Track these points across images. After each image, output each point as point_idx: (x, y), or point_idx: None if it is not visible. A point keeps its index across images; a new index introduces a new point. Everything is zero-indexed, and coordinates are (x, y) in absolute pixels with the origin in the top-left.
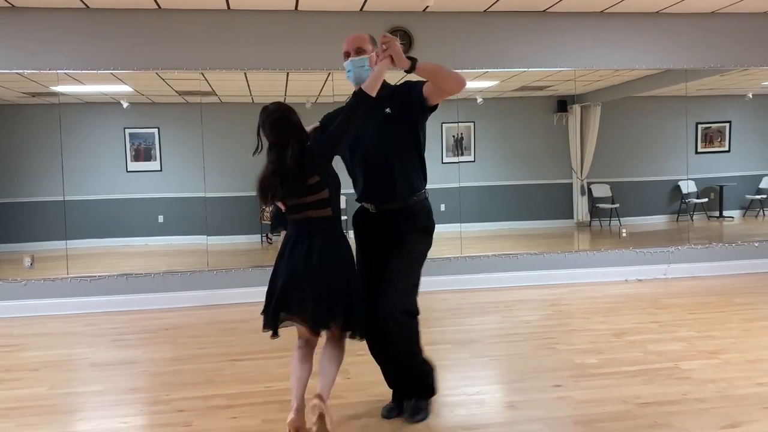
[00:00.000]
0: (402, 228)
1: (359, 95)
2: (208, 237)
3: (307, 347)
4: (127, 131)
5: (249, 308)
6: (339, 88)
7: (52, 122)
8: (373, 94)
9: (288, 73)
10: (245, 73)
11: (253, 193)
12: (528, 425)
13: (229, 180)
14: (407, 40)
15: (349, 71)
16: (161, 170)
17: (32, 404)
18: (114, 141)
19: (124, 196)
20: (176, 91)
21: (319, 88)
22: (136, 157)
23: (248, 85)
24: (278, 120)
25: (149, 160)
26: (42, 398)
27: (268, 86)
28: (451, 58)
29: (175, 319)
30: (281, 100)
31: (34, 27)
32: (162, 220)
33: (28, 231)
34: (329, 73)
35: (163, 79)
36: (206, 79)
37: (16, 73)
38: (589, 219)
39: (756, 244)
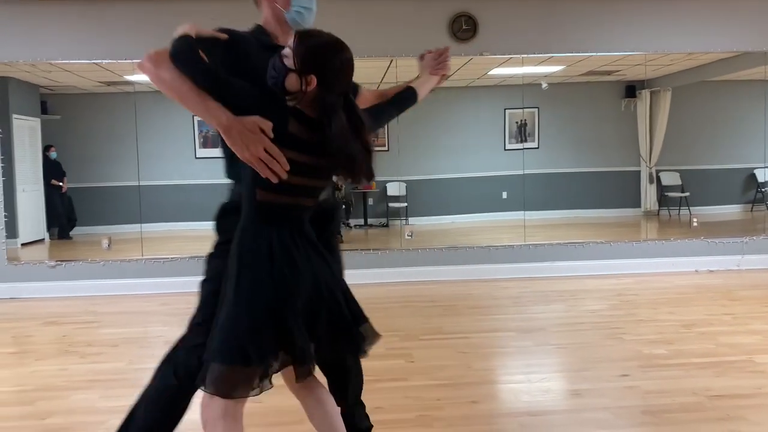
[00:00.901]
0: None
1: (413, 98)
2: None
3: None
4: (196, 119)
5: None
6: (402, 75)
7: (127, 110)
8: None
9: None
10: None
11: None
12: (594, 413)
13: None
14: (472, 25)
15: (309, 9)
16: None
17: (114, 377)
18: (184, 128)
19: (193, 181)
20: None
21: (382, 74)
22: (204, 144)
23: None
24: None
25: (216, 147)
26: (122, 372)
27: None
28: (516, 43)
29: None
30: None
31: (110, 19)
32: None
33: (105, 214)
34: (392, 60)
35: None
36: None
37: (94, 63)
38: (657, 208)
39: None
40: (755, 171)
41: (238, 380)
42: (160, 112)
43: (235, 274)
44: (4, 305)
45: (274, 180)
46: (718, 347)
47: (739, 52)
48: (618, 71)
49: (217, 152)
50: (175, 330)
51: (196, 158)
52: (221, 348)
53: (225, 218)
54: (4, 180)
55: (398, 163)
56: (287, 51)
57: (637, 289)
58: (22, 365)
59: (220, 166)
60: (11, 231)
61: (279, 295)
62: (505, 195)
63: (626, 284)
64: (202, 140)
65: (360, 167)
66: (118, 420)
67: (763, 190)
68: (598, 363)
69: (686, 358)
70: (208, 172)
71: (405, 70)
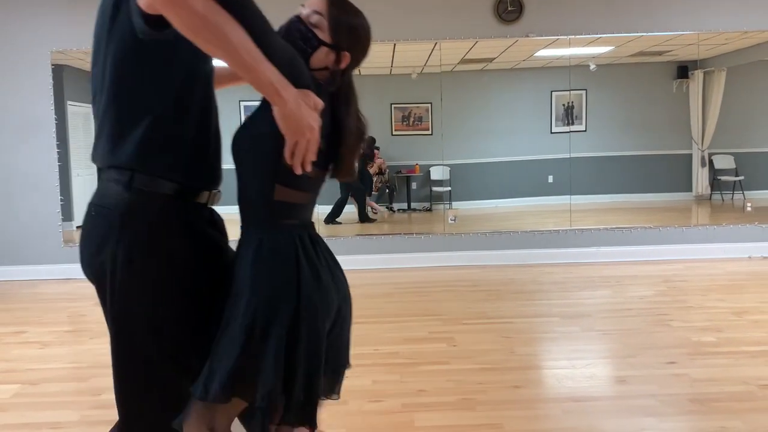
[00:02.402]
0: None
1: None
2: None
3: None
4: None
5: (357, 274)
6: (445, 58)
7: None
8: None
9: (395, 44)
10: None
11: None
12: (640, 400)
13: None
14: (517, 6)
15: None
16: None
17: None
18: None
19: None
20: None
21: (426, 58)
22: None
23: None
24: None
25: None
26: None
27: (376, 57)
28: (562, 24)
29: None
30: (388, 71)
31: None
32: None
33: None
34: (435, 43)
35: None
36: None
37: None
38: (709, 192)
39: None
40: None
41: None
42: None
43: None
44: (61, 286)
45: (299, 171)
46: None
47: None
48: (669, 51)
49: None
50: None
51: None
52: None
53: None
54: (60, 165)
55: (442, 146)
56: (316, 19)
57: (686, 276)
58: (77, 343)
59: None
60: (67, 214)
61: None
62: (551, 179)
63: (675, 270)
64: None
65: (353, 159)
66: None
67: None
68: (645, 350)
69: (736, 347)
70: None
71: (449, 53)
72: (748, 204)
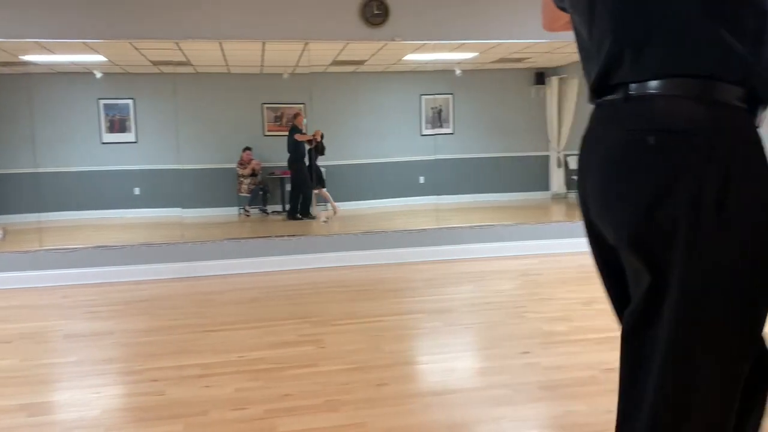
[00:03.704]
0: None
1: None
2: (184, 209)
3: None
4: (101, 102)
5: (223, 280)
6: (317, 59)
7: (22, 92)
8: None
9: (264, 43)
10: (220, 43)
11: (229, 165)
12: (495, 390)
13: (205, 152)
14: (383, 10)
15: None
16: (137, 142)
17: (6, 375)
18: (88, 112)
19: (99, 168)
20: (150, 61)
21: (297, 58)
22: (111, 129)
23: (224, 55)
24: None
25: (124, 132)
26: (16, 369)
27: (244, 56)
28: (427, 29)
29: (151, 291)
30: (258, 70)
31: None
32: (138, 193)
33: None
34: (306, 43)
35: (137, 49)
36: (181, 49)
37: None
38: (565, 191)
39: None
40: None
41: None
42: (60, 95)
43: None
44: None
45: None
46: (613, 323)
47: None
48: (528, 58)
49: (125, 137)
50: (76, 323)
51: (103, 143)
52: None
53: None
54: None
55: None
56: None
57: (542, 269)
58: None
59: (129, 151)
60: None
61: None
62: (422, 180)
63: (532, 264)
64: (108, 124)
65: None
66: (10, 420)
67: None
68: (502, 341)
69: (584, 334)
70: (116, 157)
71: (321, 54)
72: None
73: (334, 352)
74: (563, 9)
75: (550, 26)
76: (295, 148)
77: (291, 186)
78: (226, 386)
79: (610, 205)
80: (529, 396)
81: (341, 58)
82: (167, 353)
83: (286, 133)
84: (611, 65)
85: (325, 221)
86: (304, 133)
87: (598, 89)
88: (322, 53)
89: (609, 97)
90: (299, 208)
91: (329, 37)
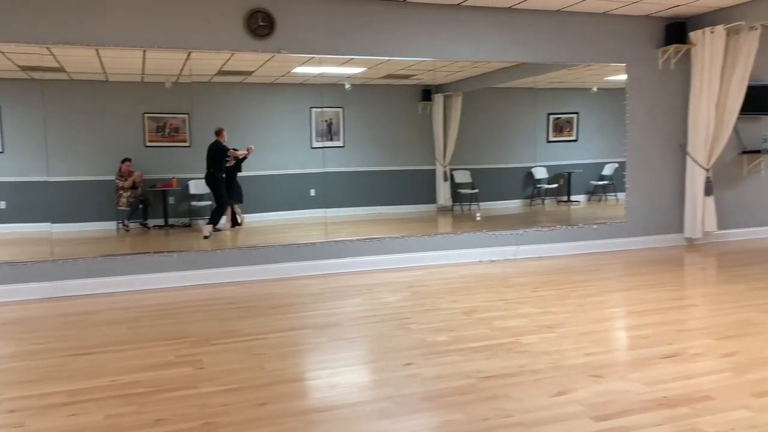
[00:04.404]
0: None
1: None
2: (54, 224)
3: None
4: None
5: (97, 299)
6: (202, 68)
7: None
8: None
9: (144, 51)
10: (97, 50)
11: (107, 177)
12: (377, 404)
13: (79, 163)
14: (269, 22)
15: None
16: (3, 152)
17: None
18: None
19: None
20: (18, 66)
21: (180, 66)
22: None
23: (101, 62)
24: None
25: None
26: None
27: (123, 63)
28: (313, 43)
29: (14, 313)
30: (138, 79)
31: None
32: (4, 207)
33: None
34: (189, 53)
35: (2, 53)
36: (53, 54)
37: None
38: (451, 204)
39: (594, 227)
40: (533, 169)
41: None
42: None
43: None
44: None
45: None
46: (491, 331)
47: (516, 63)
48: (414, 75)
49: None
50: None
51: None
52: None
53: None
54: None
55: (200, 159)
56: None
57: (427, 281)
58: None
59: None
60: None
61: None
62: (313, 192)
63: (418, 276)
64: None
65: None
66: None
67: (539, 186)
68: (386, 354)
69: (464, 343)
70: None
71: (205, 63)
72: (478, 214)
73: (213, 372)
74: None
75: None
76: (218, 162)
77: (215, 199)
78: (95, 413)
79: None
80: (410, 408)
81: (227, 68)
82: (30, 381)
83: (169, 144)
84: None
85: (207, 236)
86: (236, 149)
87: None
88: (206, 63)
89: None
90: (216, 221)
91: (213, 47)
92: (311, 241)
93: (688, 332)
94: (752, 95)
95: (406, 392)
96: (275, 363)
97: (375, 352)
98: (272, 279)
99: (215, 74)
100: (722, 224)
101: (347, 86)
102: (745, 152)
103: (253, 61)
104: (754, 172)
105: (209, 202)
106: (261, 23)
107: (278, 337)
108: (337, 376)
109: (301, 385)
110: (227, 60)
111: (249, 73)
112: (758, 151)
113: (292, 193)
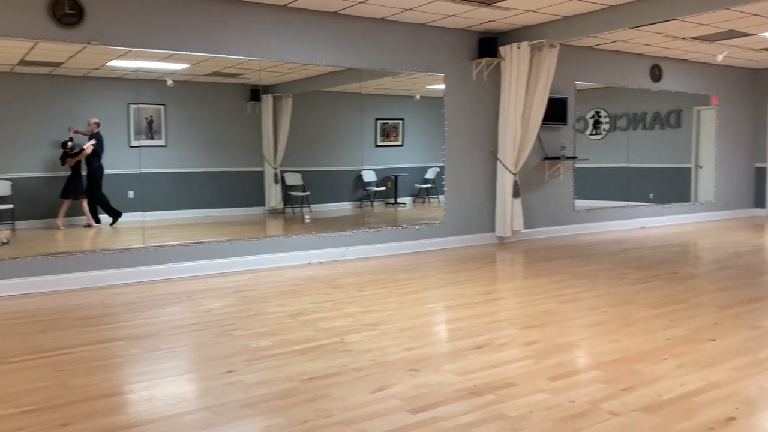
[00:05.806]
0: None
1: None
2: None
3: None
4: None
5: None
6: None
7: None
8: None
9: None
10: None
11: None
12: (195, 415)
13: None
14: (77, 10)
15: None
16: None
17: None
18: None
19: None
20: None
21: None
22: None
23: None
24: None
25: None
26: None
27: None
28: (129, 36)
29: None
30: None
31: None
32: None
33: None
34: None
35: None
36: None
37: None
38: (282, 206)
39: (417, 227)
40: (362, 172)
41: None
42: None
43: None
44: None
45: None
46: (316, 332)
47: (342, 67)
48: (242, 74)
49: None
50: None
51: None
52: None
53: None
54: None
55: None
56: None
57: (254, 285)
58: None
59: None
60: None
61: None
62: (132, 194)
63: (245, 280)
64: None
65: None
66: None
67: (368, 189)
68: (206, 362)
69: (288, 347)
70: None
71: (3, 51)
72: (307, 216)
73: (7, 394)
74: None
75: None
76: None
77: None
78: None
79: None
80: (229, 416)
81: (31, 57)
82: None
83: None
84: None
85: (5, 242)
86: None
87: None
88: (6, 51)
89: None
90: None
91: (11, 34)
92: (126, 247)
93: (497, 323)
94: (552, 107)
95: (226, 400)
96: (82, 379)
97: (195, 361)
98: (82, 288)
99: (17, 64)
100: (528, 224)
101: (169, 83)
102: (546, 158)
103: (62, 51)
104: (554, 177)
105: (11, 206)
106: (68, 11)
107: (87, 350)
108: (153, 388)
109: (112, 401)
110: (30, 49)
111: (58, 65)
112: (558, 158)
113: (109, 195)
